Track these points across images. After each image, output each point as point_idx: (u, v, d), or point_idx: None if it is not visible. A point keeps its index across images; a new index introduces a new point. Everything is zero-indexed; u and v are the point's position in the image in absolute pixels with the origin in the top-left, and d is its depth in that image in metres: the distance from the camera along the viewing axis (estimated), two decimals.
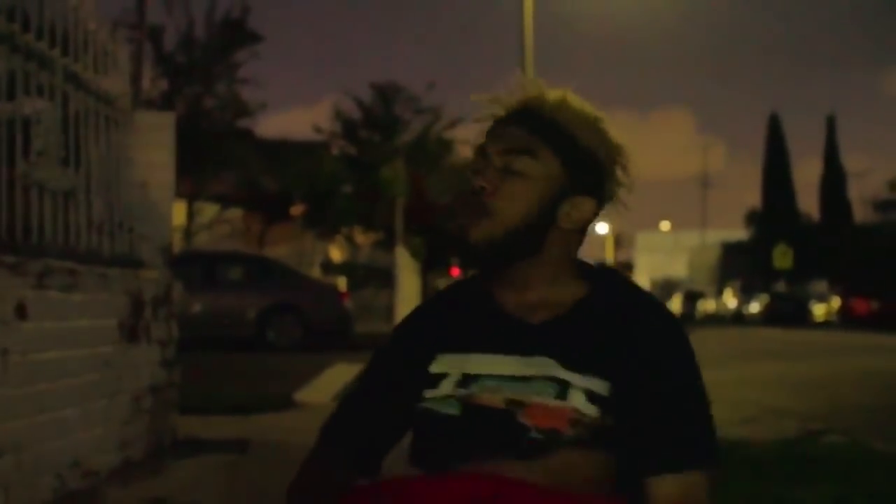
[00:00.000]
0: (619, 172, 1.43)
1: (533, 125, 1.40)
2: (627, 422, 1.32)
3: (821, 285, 40.53)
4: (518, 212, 1.37)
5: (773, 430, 5.79)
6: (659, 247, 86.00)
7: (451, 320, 1.46)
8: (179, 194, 18.73)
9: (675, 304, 49.71)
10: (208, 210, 26.19)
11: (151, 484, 3.93)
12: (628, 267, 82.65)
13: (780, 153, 53.88)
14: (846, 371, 11.44)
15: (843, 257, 42.93)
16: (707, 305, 48.76)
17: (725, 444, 4.64)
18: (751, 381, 9.72)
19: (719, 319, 41.37)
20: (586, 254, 1.50)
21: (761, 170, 54.37)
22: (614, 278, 1.46)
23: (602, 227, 63.64)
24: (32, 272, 3.39)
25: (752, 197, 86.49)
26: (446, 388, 1.37)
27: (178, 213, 22.20)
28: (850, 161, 66.74)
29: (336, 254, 28.71)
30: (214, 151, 23.44)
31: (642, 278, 79.40)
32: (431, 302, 1.55)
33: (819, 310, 36.09)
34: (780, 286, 41.43)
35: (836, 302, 35.35)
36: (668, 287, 63.53)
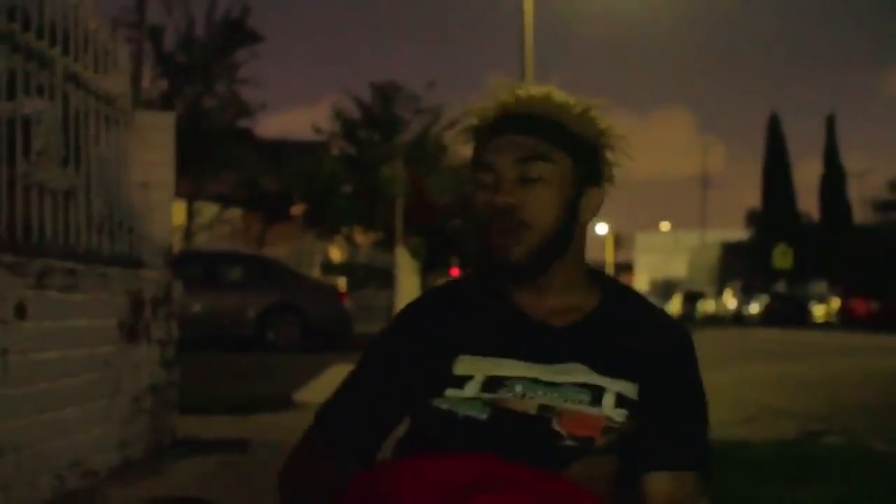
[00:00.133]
0: (608, 154, 1.45)
1: (538, 129, 1.39)
2: (642, 422, 1.34)
3: (821, 286, 40.51)
4: (550, 218, 1.38)
5: (773, 430, 5.78)
6: (659, 247, 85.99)
7: (471, 321, 1.43)
8: (179, 194, 18.73)
9: (675, 305, 49.70)
10: (208, 210, 26.18)
11: (151, 484, 3.93)
12: (628, 267, 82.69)
13: (780, 153, 53.84)
14: (846, 371, 11.44)
15: (842, 258, 42.92)
16: (707, 306, 48.74)
17: (725, 445, 4.65)
18: (750, 381, 9.72)
19: (719, 320, 41.37)
20: (587, 256, 1.52)
21: (761, 170, 54.33)
22: (620, 286, 1.50)
23: (602, 228, 63.79)
24: (32, 272, 3.39)
25: (752, 197, 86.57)
26: (471, 390, 1.35)
27: (178, 212, 22.20)
28: (850, 161, 66.83)
29: (336, 254, 28.68)
30: (214, 151, 23.43)
31: (642, 279, 79.45)
32: (437, 299, 1.51)
33: (819, 310, 36.08)
34: (780, 287, 41.42)
35: (835, 302, 35.32)
36: (668, 287, 63.61)
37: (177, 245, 19.43)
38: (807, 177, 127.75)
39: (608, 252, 66.32)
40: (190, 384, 5.41)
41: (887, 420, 6.75)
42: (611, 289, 1.48)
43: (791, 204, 52.63)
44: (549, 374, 1.35)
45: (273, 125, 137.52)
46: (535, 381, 1.34)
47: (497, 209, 1.36)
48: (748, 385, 9.21)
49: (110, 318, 4.15)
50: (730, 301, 44.43)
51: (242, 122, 26.26)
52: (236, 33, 24.83)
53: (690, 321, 38.67)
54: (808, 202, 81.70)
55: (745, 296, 42.28)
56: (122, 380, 4.23)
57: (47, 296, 3.50)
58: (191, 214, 24.83)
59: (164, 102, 22.74)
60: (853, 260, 41.81)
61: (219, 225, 26.54)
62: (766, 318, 36.35)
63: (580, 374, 1.34)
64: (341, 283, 16.68)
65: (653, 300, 1.56)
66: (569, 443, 1.28)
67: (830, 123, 52.80)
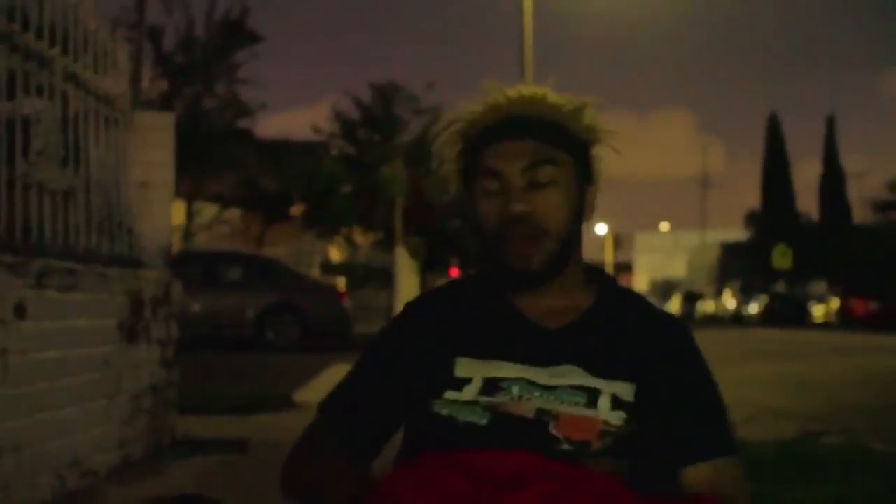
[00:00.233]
0: (599, 151, 1.46)
1: (540, 132, 1.39)
2: (650, 421, 1.34)
3: (820, 286, 40.53)
4: (563, 221, 1.39)
5: (772, 430, 5.78)
6: (658, 247, 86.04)
7: (470, 323, 1.43)
8: (179, 194, 18.74)
9: (675, 305, 49.70)
10: (208, 210, 26.18)
11: (151, 483, 3.93)
12: (628, 268, 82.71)
13: (779, 154, 53.88)
14: (845, 372, 11.45)
15: (842, 258, 42.92)
16: (706, 306, 48.79)
17: None
18: (750, 381, 9.71)
19: (718, 320, 41.38)
20: (586, 255, 1.52)
21: (761, 170, 54.38)
22: (616, 285, 1.51)
23: (602, 228, 63.79)
24: (32, 272, 3.39)
25: (752, 197, 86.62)
26: (469, 393, 1.34)
27: (178, 213, 22.20)
28: (850, 161, 66.86)
29: (335, 254, 28.70)
30: (214, 152, 23.44)
31: (641, 279, 79.47)
32: (437, 300, 1.51)
33: (818, 310, 36.09)
34: (780, 287, 41.46)
35: (835, 302, 35.34)
36: (668, 287, 63.63)
37: (176, 245, 19.42)
38: (806, 177, 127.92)
39: (608, 252, 66.31)
40: (189, 384, 5.42)
41: (887, 420, 6.76)
42: (607, 287, 1.48)
43: (790, 204, 52.67)
44: (546, 376, 1.34)
45: (273, 125, 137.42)
46: (532, 383, 1.34)
47: (513, 218, 1.36)
48: (747, 385, 9.20)
49: (110, 318, 4.15)
50: (729, 301, 44.46)
51: (242, 123, 26.28)
52: (236, 33, 24.84)
53: (690, 321, 38.58)
54: (808, 202, 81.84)
55: (745, 296, 42.32)
56: (122, 380, 4.23)
57: (47, 296, 3.50)
58: (190, 214, 24.84)
59: (164, 103, 22.74)
60: (852, 260, 41.81)
61: (218, 225, 26.54)
62: (766, 319, 36.37)
63: (576, 376, 1.34)
64: (341, 283, 16.69)
65: (652, 300, 1.56)
66: (565, 447, 1.28)
67: (830, 124, 52.88)
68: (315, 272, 22.67)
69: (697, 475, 1.34)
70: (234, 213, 27.74)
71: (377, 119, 30.74)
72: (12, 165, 3.51)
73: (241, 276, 14.45)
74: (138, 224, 4.77)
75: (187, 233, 24.46)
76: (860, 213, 49.85)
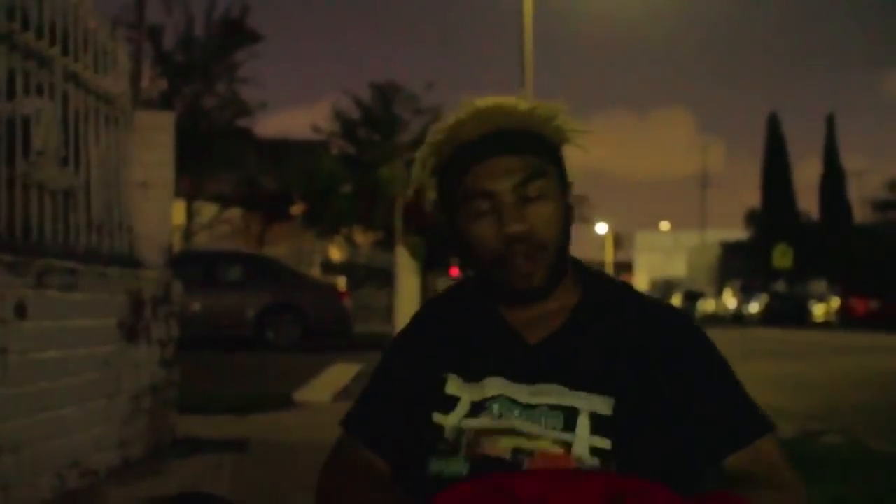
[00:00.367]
0: (565, 150, 1.44)
1: (523, 146, 1.37)
2: (649, 423, 1.32)
3: (820, 285, 40.51)
4: (558, 233, 1.37)
5: None
6: (658, 246, 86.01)
7: (461, 338, 1.43)
8: (179, 194, 18.74)
9: (675, 304, 49.61)
10: (208, 209, 26.20)
11: (151, 483, 3.93)
12: (628, 267, 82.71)
13: (779, 153, 53.87)
14: (845, 371, 11.45)
15: (842, 257, 42.92)
16: (706, 305, 48.76)
17: None
18: (750, 380, 9.63)
19: (719, 319, 41.36)
20: (586, 254, 1.50)
21: (761, 170, 54.36)
22: (600, 280, 1.48)
23: (602, 227, 63.80)
24: (32, 271, 3.39)
25: (752, 197, 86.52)
26: (455, 417, 1.35)
27: (178, 212, 22.21)
28: (850, 161, 66.78)
29: (335, 253, 28.71)
30: (214, 151, 23.46)
31: (642, 278, 79.44)
32: (434, 312, 1.52)
33: (818, 310, 36.07)
34: (780, 286, 41.43)
35: (835, 302, 35.33)
36: (668, 287, 63.52)
37: (176, 245, 19.43)
38: (806, 176, 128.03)
39: (608, 251, 66.32)
40: (190, 384, 5.42)
41: (887, 420, 6.76)
42: (592, 284, 1.46)
43: (791, 204, 52.66)
44: (526, 394, 1.33)
45: (273, 125, 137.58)
46: (513, 401, 1.33)
47: (512, 238, 1.33)
48: (747, 384, 9.13)
49: (110, 317, 4.15)
50: (729, 300, 44.43)
51: (242, 122, 26.33)
52: (236, 33, 24.88)
53: None
54: (808, 202, 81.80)
55: (745, 295, 42.27)
56: (122, 379, 4.23)
57: (47, 295, 3.50)
58: (190, 214, 24.86)
59: (164, 102, 22.76)
60: (853, 259, 41.81)
61: (218, 224, 26.57)
62: (766, 318, 36.35)
63: (555, 394, 1.33)
64: (341, 282, 16.66)
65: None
66: None
67: (830, 123, 52.85)
68: (315, 272, 22.68)
69: (741, 460, 1.33)
70: (235, 213, 27.76)
71: (377, 119, 30.72)
72: (12, 165, 3.51)
73: (241, 275, 14.45)
74: (138, 223, 4.77)
75: (187, 232, 24.48)
76: (860, 213, 49.91)
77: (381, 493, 1.34)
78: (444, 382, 1.39)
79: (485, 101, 1.39)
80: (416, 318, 1.53)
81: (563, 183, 1.42)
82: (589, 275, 1.48)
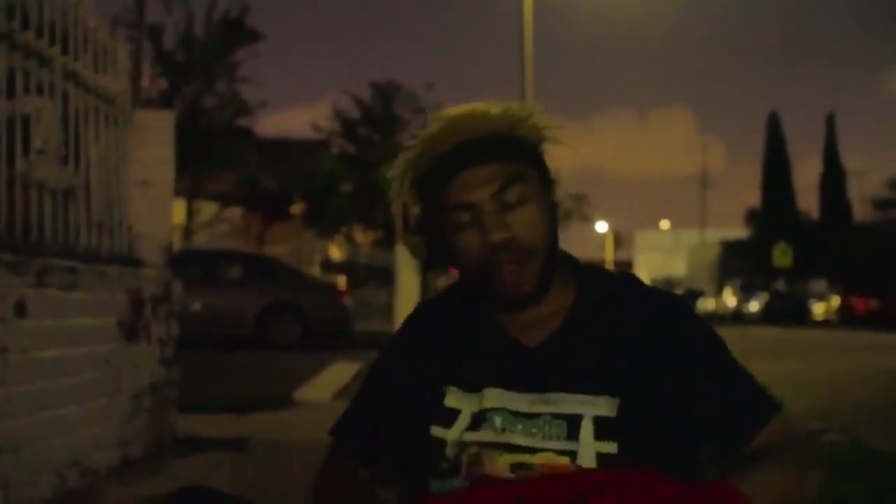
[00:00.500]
0: (545, 148, 1.42)
1: (499, 152, 1.35)
2: (652, 416, 1.31)
3: (820, 284, 40.49)
4: (544, 234, 1.36)
5: None
6: (658, 245, 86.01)
7: (456, 347, 1.41)
8: (179, 193, 18.74)
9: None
10: (208, 208, 26.20)
11: (151, 482, 3.93)
12: (628, 266, 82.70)
13: (779, 152, 53.86)
14: (845, 370, 11.44)
15: (842, 256, 42.92)
16: (707, 304, 48.74)
17: None
18: None
19: (719, 318, 41.34)
20: (586, 253, 1.50)
21: (761, 169, 54.36)
22: (594, 274, 1.46)
23: (602, 226, 63.78)
24: (32, 270, 3.39)
25: (752, 196, 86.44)
26: (457, 431, 1.33)
27: (178, 211, 22.21)
28: (850, 160, 66.76)
29: (336, 252, 28.69)
30: (214, 150, 23.46)
31: (642, 277, 79.09)
32: (427, 318, 1.50)
33: (818, 308, 36.06)
34: (780, 285, 41.41)
35: (835, 301, 35.31)
36: (668, 286, 63.46)
37: (176, 244, 19.43)
38: (806, 175, 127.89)
39: (608, 250, 66.30)
40: (190, 383, 5.41)
41: (887, 419, 6.76)
42: (587, 280, 1.44)
43: (791, 202, 52.66)
44: (527, 404, 1.32)
45: (273, 124, 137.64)
46: (515, 413, 1.32)
47: (495, 247, 1.32)
48: None
49: (110, 316, 4.15)
50: (729, 299, 44.42)
51: (242, 121, 26.32)
52: (236, 32, 24.87)
53: None
54: (808, 201, 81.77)
55: (745, 294, 42.26)
56: (122, 378, 4.23)
57: (47, 294, 3.50)
58: (190, 213, 24.86)
59: (164, 101, 22.75)
60: (853, 258, 41.80)
61: (218, 223, 26.57)
62: (766, 317, 36.35)
63: (557, 402, 1.31)
64: (341, 281, 16.67)
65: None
66: None
67: (830, 122, 52.83)
68: (315, 270, 22.66)
69: (759, 443, 1.33)
70: (235, 212, 27.76)
71: (377, 118, 30.71)
72: (12, 164, 3.51)
73: (241, 274, 14.45)
74: (138, 222, 4.77)
75: (187, 231, 24.47)
76: (860, 212, 49.91)
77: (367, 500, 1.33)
78: (443, 395, 1.37)
79: (455, 111, 1.38)
80: (409, 324, 1.51)
81: (546, 183, 1.39)
82: (584, 271, 1.46)
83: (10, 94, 3.52)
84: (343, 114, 30.80)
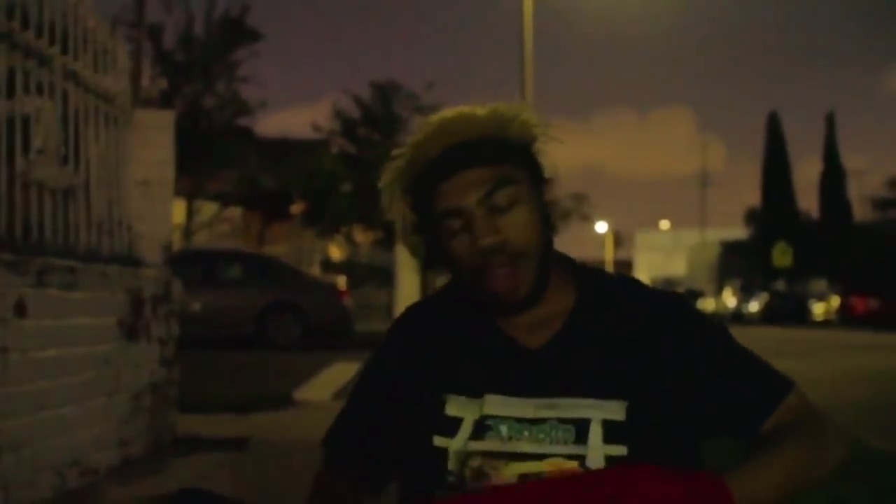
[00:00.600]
0: (537, 147, 1.39)
1: (487, 155, 1.33)
2: (660, 414, 1.30)
3: (820, 284, 40.48)
4: (537, 235, 1.34)
5: None
6: (658, 245, 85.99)
7: (454, 352, 1.39)
8: (179, 192, 18.73)
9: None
10: (208, 208, 26.19)
11: (151, 482, 3.93)
12: (628, 266, 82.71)
13: (779, 152, 53.84)
14: (845, 369, 11.45)
15: (842, 256, 42.93)
16: (706, 304, 48.74)
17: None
18: None
19: (719, 319, 41.32)
20: (586, 253, 1.48)
21: (761, 169, 54.33)
22: (593, 275, 1.44)
23: (602, 226, 63.81)
24: (32, 270, 3.39)
25: (752, 196, 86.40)
26: (460, 440, 1.31)
27: (178, 211, 22.20)
28: (850, 160, 66.74)
29: (336, 252, 28.68)
30: (214, 150, 23.45)
31: (642, 277, 79.29)
32: (421, 322, 1.47)
33: (818, 308, 36.05)
34: (780, 285, 41.40)
35: (835, 300, 35.30)
36: (668, 286, 63.44)
37: (176, 243, 19.43)
38: (806, 175, 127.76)
39: (608, 250, 66.32)
40: (190, 382, 5.42)
41: (887, 418, 6.76)
42: (587, 281, 1.42)
43: (791, 202, 52.63)
44: (532, 409, 1.30)
45: (273, 124, 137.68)
46: (520, 420, 1.30)
47: (486, 251, 1.30)
48: None
49: (110, 316, 4.15)
50: (729, 299, 44.40)
51: (242, 121, 26.31)
52: (236, 31, 24.85)
53: None
54: (808, 200, 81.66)
55: (745, 294, 42.24)
56: (122, 378, 4.23)
57: (47, 294, 3.50)
58: (190, 213, 24.84)
59: (164, 101, 22.73)
60: (853, 258, 41.81)
61: (218, 223, 26.55)
62: (766, 317, 36.34)
63: (563, 407, 1.30)
64: (341, 281, 16.67)
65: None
66: None
67: (830, 122, 52.79)
68: (315, 270, 22.66)
69: (774, 423, 1.32)
70: (235, 212, 27.75)
71: (377, 118, 30.72)
72: (12, 164, 3.51)
73: (241, 274, 14.45)
74: (138, 222, 4.77)
75: (187, 231, 24.46)
76: (860, 211, 49.89)
77: None
78: (443, 404, 1.35)
79: (442, 115, 1.36)
80: (402, 326, 1.48)
81: (538, 183, 1.37)
82: (582, 272, 1.44)
83: (10, 93, 3.52)
84: (343, 114, 30.81)
